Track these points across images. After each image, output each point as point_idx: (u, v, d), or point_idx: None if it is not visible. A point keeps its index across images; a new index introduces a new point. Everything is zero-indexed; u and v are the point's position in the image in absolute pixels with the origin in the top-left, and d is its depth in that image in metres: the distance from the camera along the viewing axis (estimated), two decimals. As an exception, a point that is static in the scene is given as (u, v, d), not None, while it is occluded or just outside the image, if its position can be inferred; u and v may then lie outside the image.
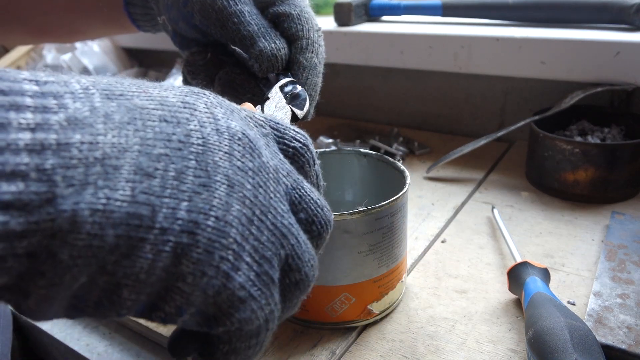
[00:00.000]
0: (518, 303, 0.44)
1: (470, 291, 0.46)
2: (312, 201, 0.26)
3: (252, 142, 0.24)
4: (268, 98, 0.34)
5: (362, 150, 0.49)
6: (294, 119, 0.34)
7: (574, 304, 0.43)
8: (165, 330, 0.43)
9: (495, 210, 0.55)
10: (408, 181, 0.42)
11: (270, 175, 0.25)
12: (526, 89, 0.77)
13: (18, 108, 0.18)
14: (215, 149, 0.23)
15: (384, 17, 0.86)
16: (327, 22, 0.84)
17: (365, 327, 0.43)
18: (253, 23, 0.35)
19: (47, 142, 0.18)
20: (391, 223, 0.40)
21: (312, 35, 0.36)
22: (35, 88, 0.19)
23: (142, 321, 0.45)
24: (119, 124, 0.20)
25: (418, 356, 0.39)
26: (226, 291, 0.21)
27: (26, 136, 0.17)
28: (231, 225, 0.22)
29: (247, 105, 0.30)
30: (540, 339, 0.34)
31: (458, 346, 0.40)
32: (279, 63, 0.35)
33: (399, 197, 0.40)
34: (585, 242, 0.52)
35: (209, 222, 0.21)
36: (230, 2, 0.34)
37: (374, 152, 0.48)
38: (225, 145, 0.23)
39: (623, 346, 0.37)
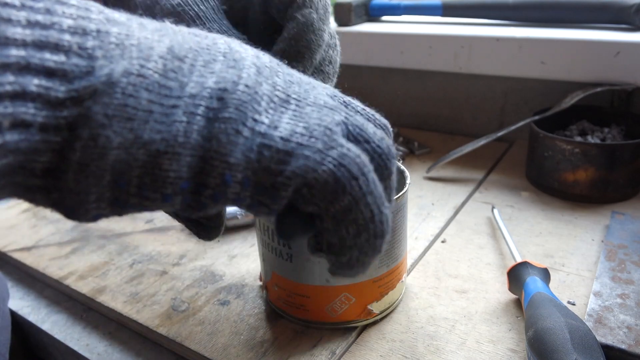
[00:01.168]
0: (518, 303, 0.44)
1: (470, 291, 0.46)
2: (373, 134, 0.25)
3: (284, 66, 0.25)
4: None
5: (362, 150, 0.49)
6: None
7: (574, 304, 0.43)
8: (165, 331, 0.43)
9: (495, 210, 0.55)
10: (408, 181, 0.42)
11: (318, 90, 0.25)
12: (526, 89, 0.77)
13: (64, 4, 0.20)
14: (242, 52, 0.24)
15: (384, 17, 0.86)
16: (327, 22, 0.84)
17: (365, 327, 0.43)
18: None
19: (89, 29, 0.20)
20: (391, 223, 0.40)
21: None
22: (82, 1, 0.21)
23: (142, 321, 0.45)
24: (152, 30, 0.22)
25: (418, 356, 0.39)
26: (269, 150, 0.22)
27: (69, 21, 0.20)
28: (261, 97, 0.22)
29: None
30: (540, 339, 0.34)
31: (458, 346, 0.40)
32: None
33: (399, 197, 0.40)
34: (585, 242, 0.52)
35: (239, 88, 0.22)
36: None
37: (374, 152, 0.48)
38: (252, 53, 0.24)
39: (623, 346, 0.37)
